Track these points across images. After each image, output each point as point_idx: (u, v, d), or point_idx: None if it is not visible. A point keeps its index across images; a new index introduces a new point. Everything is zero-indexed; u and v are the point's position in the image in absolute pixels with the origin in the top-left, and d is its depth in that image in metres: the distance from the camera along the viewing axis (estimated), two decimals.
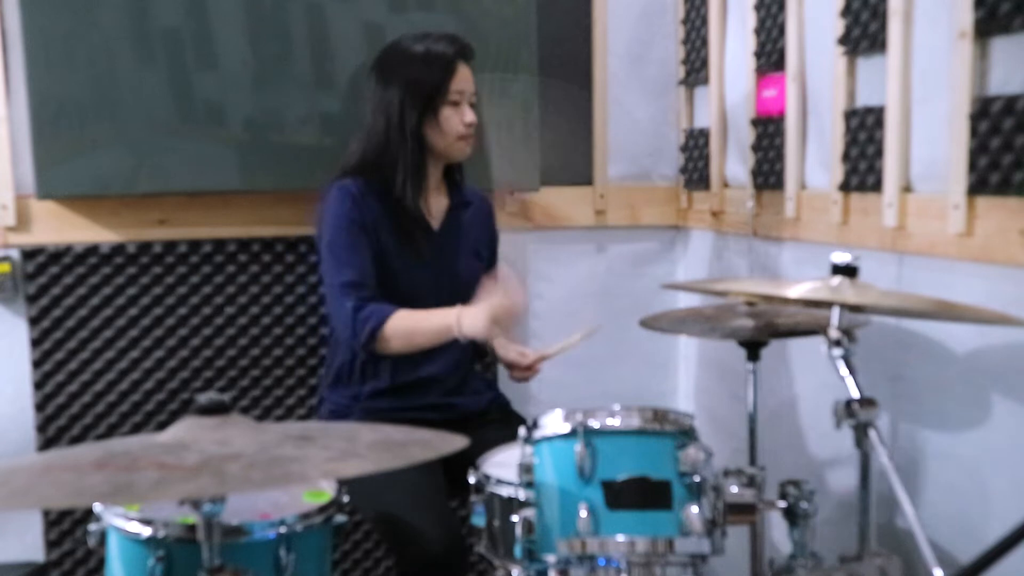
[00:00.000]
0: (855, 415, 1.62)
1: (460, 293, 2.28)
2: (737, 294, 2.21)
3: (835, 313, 1.70)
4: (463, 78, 2.30)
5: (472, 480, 1.80)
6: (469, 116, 2.31)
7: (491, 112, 2.68)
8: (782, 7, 2.43)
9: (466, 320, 2.15)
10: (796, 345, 2.44)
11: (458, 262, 2.39)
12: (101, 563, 1.86)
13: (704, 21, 2.82)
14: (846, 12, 2.17)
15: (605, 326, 2.98)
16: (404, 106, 2.27)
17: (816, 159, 2.37)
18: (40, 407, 2.62)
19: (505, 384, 2.58)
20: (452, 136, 2.30)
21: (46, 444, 2.62)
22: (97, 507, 1.73)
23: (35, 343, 2.61)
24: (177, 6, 2.49)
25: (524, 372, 2.39)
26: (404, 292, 2.28)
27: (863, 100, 2.19)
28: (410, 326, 2.20)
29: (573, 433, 1.64)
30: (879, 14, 2.07)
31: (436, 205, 2.39)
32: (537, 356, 2.38)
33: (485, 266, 2.46)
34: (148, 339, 2.66)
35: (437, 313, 2.20)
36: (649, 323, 2.33)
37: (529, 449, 1.68)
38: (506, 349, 2.43)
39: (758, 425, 2.26)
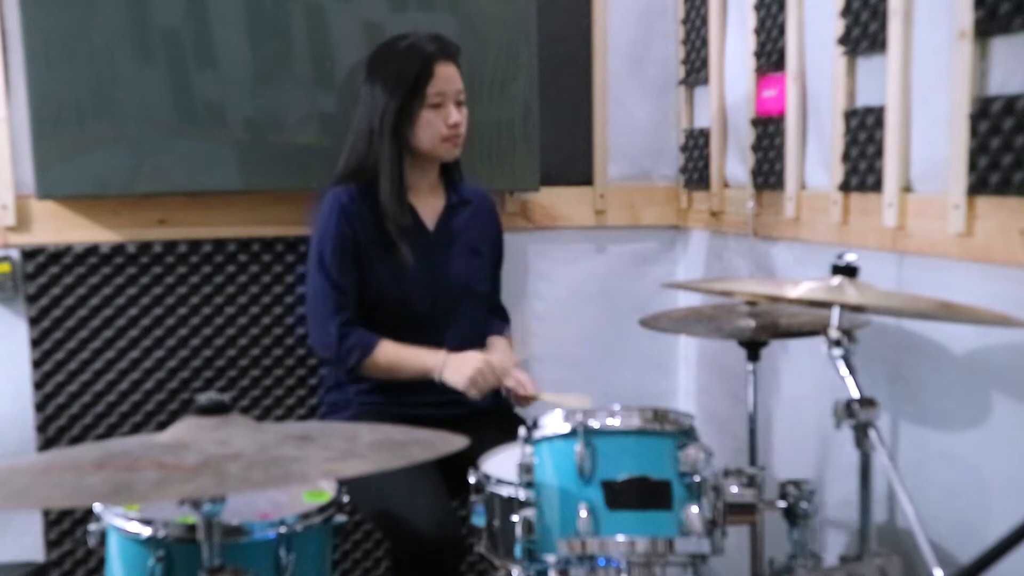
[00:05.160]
0: (855, 415, 1.62)
1: (454, 294, 2.30)
2: (738, 294, 2.21)
3: (835, 313, 1.70)
4: (444, 78, 2.27)
5: (472, 480, 1.80)
6: (453, 117, 2.28)
7: (491, 112, 2.68)
8: (782, 7, 2.43)
9: (448, 370, 2.23)
10: (796, 345, 2.44)
11: (452, 263, 2.38)
12: (101, 563, 1.87)
13: (704, 21, 2.82)
14: (846, 12, 2.17)
15: (605, 326, 3.01)
16: (385, 110, 2.26)
17: (816, 159, 2.37)
18: (40, 407, 2.62)
19: None
20: (436, 139, 2.29)
21: (46, 444, 2.62)
22: (97, 507, 1.72)
23: (35, 343, 2.61)
24: (177, 6, 2.48)
25: (521, 400, 2.32)
26: (395, 296, 2.30)
27: (863, 100, 2.19)
28: (394, 362, 2.28)
29: (573, 433, 1.64)
30: (879, 14, 2.07)
31: (431, 205, 2.39)
32: (533, 394, 2.31)
33: (486, 264, 2.47)
34: (148, 339, 2.66)
35: (422, 354, 2.27)
36: (649, 323, 2.33)
37: (529, 449, 1.68)
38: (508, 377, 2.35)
39: (758, 425, 2.26)
